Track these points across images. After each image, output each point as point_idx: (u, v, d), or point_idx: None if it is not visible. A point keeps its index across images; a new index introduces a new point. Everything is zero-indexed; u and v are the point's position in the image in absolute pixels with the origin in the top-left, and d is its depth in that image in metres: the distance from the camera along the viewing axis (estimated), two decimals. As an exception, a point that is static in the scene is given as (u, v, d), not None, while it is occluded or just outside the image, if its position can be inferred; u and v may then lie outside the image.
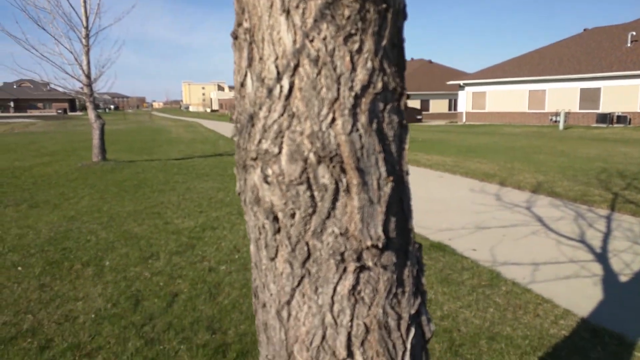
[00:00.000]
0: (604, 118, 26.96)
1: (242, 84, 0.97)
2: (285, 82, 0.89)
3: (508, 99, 32.88)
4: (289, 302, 1.02)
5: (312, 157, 0.91)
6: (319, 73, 0.88)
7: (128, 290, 3.92)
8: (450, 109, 44.60)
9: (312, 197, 0.94)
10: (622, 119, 26.64)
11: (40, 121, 45.21)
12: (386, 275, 0.99)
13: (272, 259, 1.02)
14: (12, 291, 3.91)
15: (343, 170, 0.93)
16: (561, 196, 7.95)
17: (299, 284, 1.00)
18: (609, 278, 4.34)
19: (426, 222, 6.45)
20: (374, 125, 0.93)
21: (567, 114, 28.46)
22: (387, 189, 0.97)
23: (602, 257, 4.93)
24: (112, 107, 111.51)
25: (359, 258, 0.97)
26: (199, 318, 3.44)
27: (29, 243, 5.22)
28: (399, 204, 1.02)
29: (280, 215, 0.97)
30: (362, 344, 1.00)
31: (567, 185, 8.82)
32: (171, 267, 4.51)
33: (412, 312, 1.04)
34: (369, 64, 0.89)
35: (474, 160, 12.61)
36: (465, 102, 35.69)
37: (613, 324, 3.38)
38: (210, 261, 4.71)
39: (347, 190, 0.94)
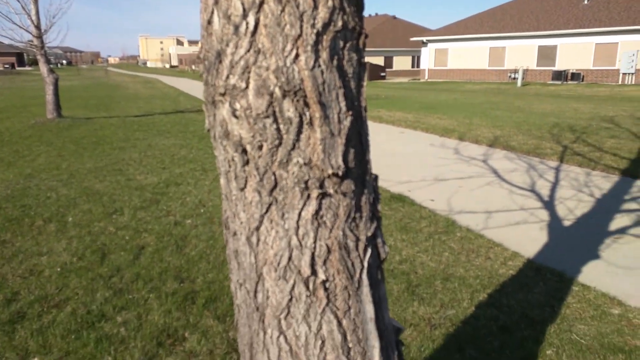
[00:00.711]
0: (559, 75, 27.74)
1: (209, 22, 1.02)
2: (251, 19, 0.95)
3: (469, 56, 33.22)
4: (258, 228, 1.11)
5: (277, 92, 0.98)
6: (282, 10, 0.93)
7: (93, 244, 3.94)
8: (413, 66, 44.71)
9: (278, 129, 1.01)
10: (576, 76, 27.49)
11: (-15, 78, 42.65)
12: (346, 202, 1.09)
13: (242, 189, 1.10)
14: (-28, 247, 3.86)
15: (306, 104, 1.00)
16: (515, 149, 8.29)
17: (267, 211, 1.08)
18: (554, 223, 4.65)
19: (388, 175, 6.63)
20: (335, 62, 1.00)
21: (525, 71, 29.11)
22: (347, 122, 1.05)
23: (549, 204, 5.25)
24: (64, 62, 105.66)
25: (321, 186, 1.06)
26: (167, 269, 3.52)
27: (-15, 201, 5.11)
28: (358, 137, 1.11)
29: (248, 147, 1.04)
30: (325, 263, 1.10)
31: (521, 139, 9.18)
32: (136, 222, 4.53)
33: (369, 234, 1.15)
34: (330, 3, 0.95)
35: (434, 117, 12.86)
36: (427, 59, 35.84)
37: (555, 263, 3.67)
38: (175, 215, 4.75)
39: (310, 123, 1.02)
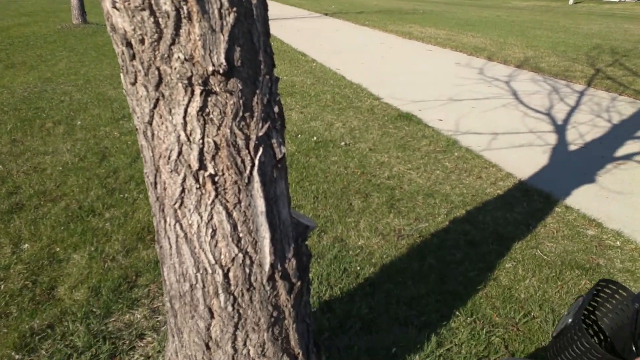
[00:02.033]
0: (618, -8, 25.47)
1: None
2: None
3: (520, -32, 30.65)
4: (150, 123, 1.16)
5: (150, -16, 0.99)
6: None
7: (96, 147, 4.12)
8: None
9: (157, 23, 1.03)
10: (636, -7, 25.17)
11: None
12: (232, 100, 1.12)
13: (133, 84, 1.14)
14: (-12, 145, 4.12)
15: (183, -2, 1.01)
16: (544, 72, 7.89)
17: (155, 106, 1.13)
18: (560, 147, 4.54)
19: (402, 94, 6.49)
20: (210, -46, 0.99)
21: (580, -13, 26.80)
22: (230, 19, 1.05)
23: (560, 128, 5.09)
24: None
25: (205, 83, 1.09)
26: (162, 172, 3.68)
27: (2, 102, 5.33)
28: (248, 36, 1.11)
29: (132, 41, 1.07)
30: (213, 158, 1.16)
31: (553, 61, 8.70)
32: (142, 128, 4.67)
33: (260, 134, 1.18)
34: None
35: (468, 35, 12.23)
36: (474, -29, 33.30)
37: (545, 186, 3.64)
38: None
39: (189, 17, 1.03)
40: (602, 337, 1.42)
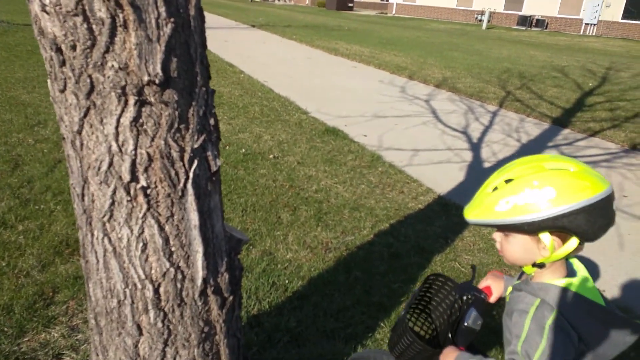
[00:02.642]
0: (525, 20, 27.74)
1: None
2: None
3: (438, -6, 32.56)
4: (79, 132, 1.12)
5: (85, -10, 0.96)
6: None
7: (8, 154, 3.83)
8: (382, -1, 43.47)
9: (90, 29, 1.00)
10: (540, 22, 27.55)
11: None
12: (167, 111, 1.11)
13: (62, 91, 1.09)
14: None
15: (119, 6, 0.99)
16: (460, 92, 8.40)
17: (85, 115, 1.09)
18: (475, 164, 4.85)
19: (328, 108, 6.63)
20: (149, -36, 0.98)
21: (492, 14, 28.90)
22: (167, 29, 1.05)
23: (475, 146, 5.44)
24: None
25: (139, 93, 1.07)
26: (80, 182, 3.48)
27: None
28: (185, 47, 1.11)
29: (63, 47, 1.03)
30: (146, 170, 1.13)
31: (469, 82, 9.29)
32: (58, 136, 4.40)
33: (195, 146, 1.18)
34: None
35: (390, 53, 12.75)
36: (397, -7, 34.90)
37: (462, 200, 3.87)
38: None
39: (125, 26, 1.01)
40: (434, 328, 1.53)
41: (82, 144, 1.13)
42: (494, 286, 1.38)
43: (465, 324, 1.28)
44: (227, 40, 13.09)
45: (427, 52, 13.55)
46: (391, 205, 3.70)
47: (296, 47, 13.06)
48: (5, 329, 2.00)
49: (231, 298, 1.35)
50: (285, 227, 3.18)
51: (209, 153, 1.22)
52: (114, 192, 1.14)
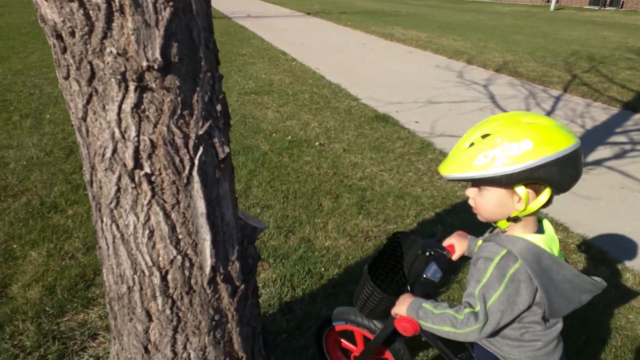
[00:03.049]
0: (598, 0, 25.91)
1: None
2: None
3: (504, -27, 30.99)
4: (84, 119, 1.12)
5: (79, -26, 0.94)
6: None
7: (64, 141, 4.03)
8: (444, -18, 41.97)
9: (87, 15, 0.98)
10: (615, 1, 25.63)
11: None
12: (169, 97, 1.08)
13: (66, 78, 1.09)
14: (-49, 138, 4.00)
15: (114, -10, 0.97)
16: (522, 76, 7.97)
17: (88, 102, 1.09)
18: (532, 151, 4.57)
19: (380, 95, 6.49)
20: (142, -55, 0.95)
21: (562, -6, 27.23)
22: (166, 13, 1.02)
23: (534, 133, 5.13)
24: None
25: (140, 79, 1.05)
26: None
27: (-29, 94, 5.20)
28: (187, 32, 1.08)
29: (62, 33, 1.03)
30: (150, 157, 1.12)
31: (531, 66, 8.79)
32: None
33: (200, 133, 1.15)
34: None
35: (448, 37, 12.30)
36: (459, -26, 33.55)
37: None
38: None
39: (121, 10, 0.99)
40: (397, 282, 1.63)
41: (87, 131, 1.14)
42: (458, 245, 1.49)
43: (425, 275, 1.38)
44: (281, 28, 13.15)
45: (488, 36, 12.96)
46: (438, 193, 3.56)
47: (350, 34, 12.89)
48: (47, 309, 2.10)
49: (243, 286, 1.33)
50: (325, 215, 3.13)
51: (216, 140, 1.19)
52: (119, 178, 1.14)
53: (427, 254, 1.42)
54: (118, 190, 1.15)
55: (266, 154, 4.09)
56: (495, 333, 1.16)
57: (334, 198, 3.38)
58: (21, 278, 2.32)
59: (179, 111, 1.11)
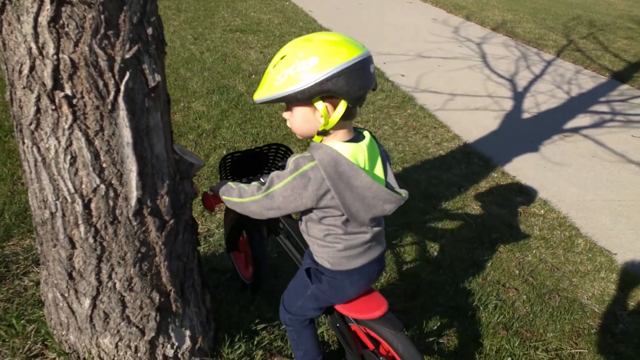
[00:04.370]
0: (610, -35, 25.09)
1: None
2: None
3: None
4: None
5: None
6: None
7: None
8: None
9: None
10: (628, -32, 24.84)
11: None
12: (91, 14, 1.01)
13: (-21, -16, 1.02)
14: None
15: None
16: (518, 37, 7.79)
17: (2, 11, 1.02)
18: (513, 114, 4.53)
19: (370, 44, 6.30)
20: None
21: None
22: None
23: (519, 95, 5.07)
24: None
25: (57, -10, 0.98)
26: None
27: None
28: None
29: None
30: (71, 78, 1.06)
31: (530, 27, 8.58)
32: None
33: (127, 56, 1.09)
34: None
35: (451, -10, 11.89)
36: None
37: (488, 150, 3.64)
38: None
39: None
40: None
41: (4, 44, 1.07)
42: None
43: (261, 178, 1.57)
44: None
45: (492, -8, 12.56)
46: (410, 149, 3.53)
47: (351, -22, 12.40)
48: (-6, 232, 2.08)
49: (172, 221, 1.31)
50: (293, 161, 3.10)
51: (145, 66, 1.13)
52: (38, 98, 1.08)
53: (281, 167, 1.61)
54: (38, 111, 1.10)
55: (242, 95, 4.00)
56: (308, 233, 1.29)
57: (304, 146, 3.34)
58: (-29, 200, 2.28)
59: (102, 30, 1.04)
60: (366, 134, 1.22)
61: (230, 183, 1.32)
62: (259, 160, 1.74)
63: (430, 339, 1.91)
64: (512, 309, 2.12)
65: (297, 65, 1.07)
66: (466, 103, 4.70)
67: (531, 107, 4.77)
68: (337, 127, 1.14)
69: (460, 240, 2.55)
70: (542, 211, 2.92)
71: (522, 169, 3.44)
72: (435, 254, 2.42)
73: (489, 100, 4.84)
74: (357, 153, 1.15)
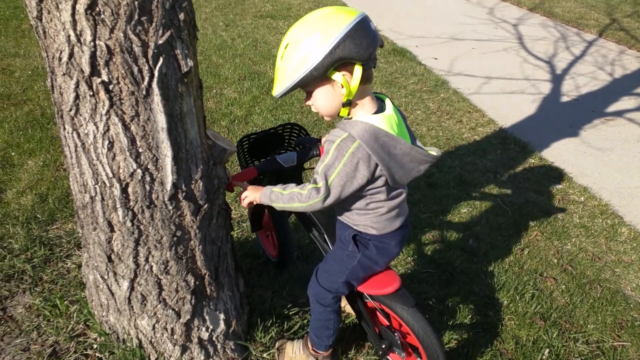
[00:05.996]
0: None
1: None
2: None
3: None
4: (39, 18, 1.07)
5: None
6: None
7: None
8: None
9: None
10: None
11: None
12: (126, 0, 1.02)
13: (20, -27, 1.03)
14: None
15: None
16: (556, 17, 7.50)
17: (41, 0, 1.03)
18: (551, 97, 4.38)
19: (402, 27, 6.21)
20: None
21: None
22: None
23: (557, 78, 4.89)
24: None
25: (92, -23, 0.99)
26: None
27: (-17, -1, 5.12)
28: None
29: None
30: (107, 64, 1.08)
31: (569, 6, 8.25)
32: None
33: (160, 42, 1.09)
34: None
35: (486, -30, 11.53)
36: None
37: (525, 135, 3.54)
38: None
39: None
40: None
41: (44, 32, 1.09)
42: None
43: (277, 157, 1.56)
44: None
45: (530, -29, 12.11)
46: (444, 134, 3.47)
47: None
48: (38, 216, 2.16)
49: (206, 206, 1.32)
50: (325, 147, 3.09)
51: (178, 51, 1.14)
52: (77, 85, 1.10)
53: (300, 147, 1.61)
54: (77, 97, 1.12)
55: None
56: (345, 206, 1.32)
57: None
58: (16, 185, 2.37)
59: (136, 16, 1.05)
60: (386, 100, 1.24)
61: (272, 188, 1.31)
62: (274, 141, 1.77)
63: (465, 328, 1.88)
64: (550, 299, 2.07)
65: (303, 46, 1.10)
66: (502, 87, 4.57)
67: (571, 90, 4.60)
68: (359, 95, 1.17)
69: (495, 227, 2.49)
70: (582, 198, 2.82)
71: (560, 154, 3.33)
72: (470, 241, 2.37)
73: (526, 83, 4.69)
74: (391, 122, 1.18)
